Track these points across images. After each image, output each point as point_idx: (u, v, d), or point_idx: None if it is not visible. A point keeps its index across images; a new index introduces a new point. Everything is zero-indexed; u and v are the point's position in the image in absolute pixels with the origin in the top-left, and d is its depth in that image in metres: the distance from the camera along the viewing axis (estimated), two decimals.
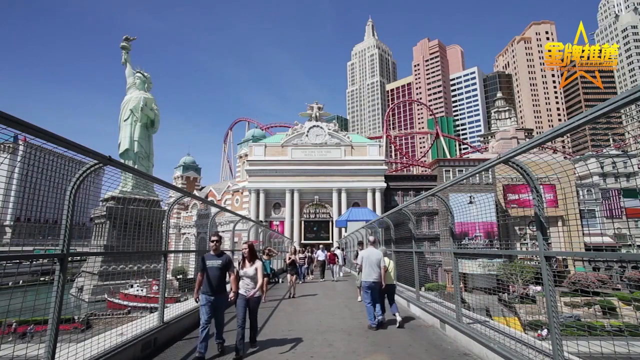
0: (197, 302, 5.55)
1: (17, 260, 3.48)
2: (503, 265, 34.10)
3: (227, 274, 5.52)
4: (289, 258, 12.82)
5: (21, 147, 77.09)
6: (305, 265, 17.75)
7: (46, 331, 3.45)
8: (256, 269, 5.73)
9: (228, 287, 5.64)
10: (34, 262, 3.98)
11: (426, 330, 6.79)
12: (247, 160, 52.27)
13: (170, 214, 6.48)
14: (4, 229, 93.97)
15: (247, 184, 51.58)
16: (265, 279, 10.72)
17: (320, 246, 20.23)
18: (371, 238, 8.43)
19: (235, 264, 5.95)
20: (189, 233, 63.48)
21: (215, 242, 5.50)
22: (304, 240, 47.51)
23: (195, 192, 64.55)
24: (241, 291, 5.65)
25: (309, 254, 20.56)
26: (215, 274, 5.32)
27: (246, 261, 5.81)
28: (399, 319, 7.15)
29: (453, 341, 5.88)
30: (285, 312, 9.18)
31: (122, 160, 36.80)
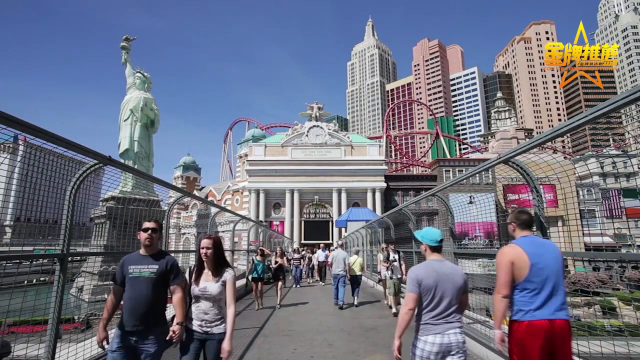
0: (102, 347, 3.02)
1: (17, 260, 3.48)
2: None
3: (169, 291, 3.12)
4: (275, 261, 10.80)
5: (21, 147, 77.11)
6: (301, 267, 16.09)
7: (46, 331, 3.46)
8: (224, 284, 3.11)
9: (169, 314, 3.26)
10: (34, 262, 3.98)
11: None
12: (247, 160, 52.29)
13: (170, 214, 6.48)
14: (4, 229, 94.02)
15: (247, 184, 51.60)
16: (260, 283, 9.80)
17: (321, 245, 18.52)
18: (339, 242, 12.33)
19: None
20: (189, 233, 63.53)
21: (149, 234, 3.09)
22: (304, 240, 47.51)
23: (195, 192, 64.61)
24: (195, 324, 3.05)
25: (309, 254, 19.22)
26: (143, 292, 2.92)
27: (205, 269, 3.17)
28: (355, 302, 10.05)
29: None
30: (285, 311, 9.19)
31: (122, 160, 36.84)
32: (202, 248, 3.16)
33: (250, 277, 10.29)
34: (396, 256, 9.38)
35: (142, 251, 3.15)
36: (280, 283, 10.53)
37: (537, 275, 2.67)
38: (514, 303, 2.74)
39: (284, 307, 9.83)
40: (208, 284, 3.10)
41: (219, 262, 3.21)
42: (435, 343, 2.66)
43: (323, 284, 16.06)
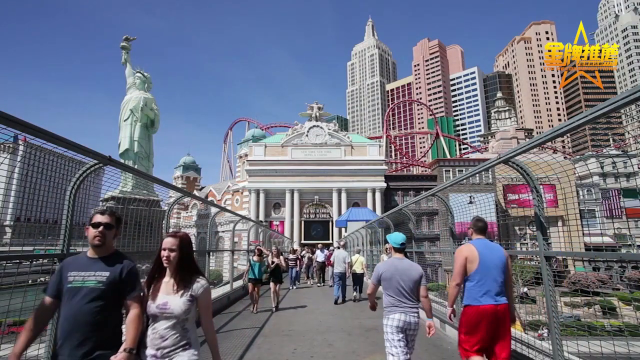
0: None
1: (17, 260, 3.48)
2: None
3: (122, 307, 2.32)
4: (272, 262, 9.90)
5: (21, 147, 77.10)
6: (297, 268, 15.02)
7: (46, 331, 3.45)
8: (192, 300, 2.35)
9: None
10: (34, 262, 3.98)
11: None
12: (247, 160, 52.29)
13: (170, 214, 6.48)
14: (4, 229, 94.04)
15: (247, 184, 51.59)
16: (257, 285, 9.13)
17: (319, 245, 17.32)
18: (341, 242, 13.48)
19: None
20: (188, 233, 63.45)
21: (101, 230, 2.32)
22: (304, 240, 47.52)
23: (195, 192, 64.58)
24: (149, 354, 2.28)
25: (308, 254, 18.49)
26: (84, 309, 2.14)
27: (166, 278, 2.41)
28: (357, 297, 11.04)
29: (453, 341, 5.88)
30: (284, 312, 9.18)
31: (122, 160, 36.86)
32: (164, 250, 2.38)
33: (247, 279, 9.74)
34: None
35: (90, 252, 2.33)
36: (276, 285, 9.65)
37: (484, 269, 3.44)
38: (467, 292, 3.51)
39: (282, 309, 9.80)
40: (170, 298, 2.29)
41: (186, 270, 2.39)
42: (401, 320, 3.64)
43: (322, 285, 15.23)
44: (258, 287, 9.23)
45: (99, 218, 2.35)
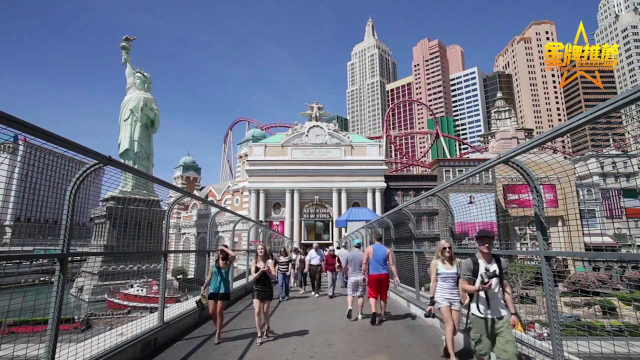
0: None
1: (17, 260, 3.48)
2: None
3: None
4: (256, 268, 6.55)
5: (21, 147, 77.03)
6: (288, 274, 12.04)
7: (46, 331, 3.45)
8: None
9: None
10: (34, 262, 3.97)
11: (426, 330, 6.79)
12: (247, 160, 52.28)
13: (170, 214, 6.48)
14: (4, 229, 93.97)
15: (247, 184, 51.59)
16: (218, 302, 6.25)
17: (314, 245, 13.44)
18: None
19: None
20: (189, 233, 63.52)
21: None
22: (304, 240, 47.52)
23: (195, 192, 64.57)
24: None
25: (300, 256, 15.01)
26: None
27: None
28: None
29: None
30: (285, 311, 9.18)
31: (122, 160, 36.86)
32: None
33: (205, 294, 6.50)
34: (495, 267, 4.03)
35: None
36: (263, 304, 6.28)
37: (375, 258, 7.78)
38: (369, 267, 7.81)
39: (283, 306, 9.73)
40: None
41: None
42: (355, 279, 8.49)
43: (317, 295, 12.12)
44: (222, 305, 6.29)
45: None
